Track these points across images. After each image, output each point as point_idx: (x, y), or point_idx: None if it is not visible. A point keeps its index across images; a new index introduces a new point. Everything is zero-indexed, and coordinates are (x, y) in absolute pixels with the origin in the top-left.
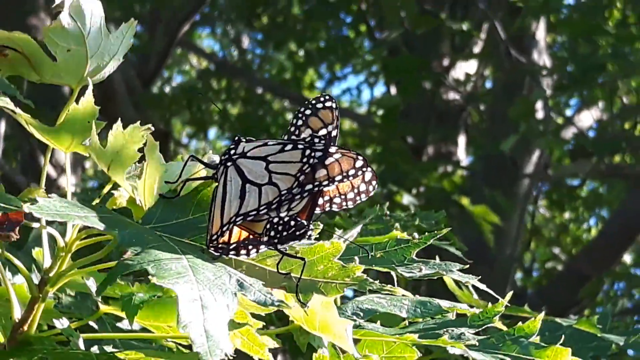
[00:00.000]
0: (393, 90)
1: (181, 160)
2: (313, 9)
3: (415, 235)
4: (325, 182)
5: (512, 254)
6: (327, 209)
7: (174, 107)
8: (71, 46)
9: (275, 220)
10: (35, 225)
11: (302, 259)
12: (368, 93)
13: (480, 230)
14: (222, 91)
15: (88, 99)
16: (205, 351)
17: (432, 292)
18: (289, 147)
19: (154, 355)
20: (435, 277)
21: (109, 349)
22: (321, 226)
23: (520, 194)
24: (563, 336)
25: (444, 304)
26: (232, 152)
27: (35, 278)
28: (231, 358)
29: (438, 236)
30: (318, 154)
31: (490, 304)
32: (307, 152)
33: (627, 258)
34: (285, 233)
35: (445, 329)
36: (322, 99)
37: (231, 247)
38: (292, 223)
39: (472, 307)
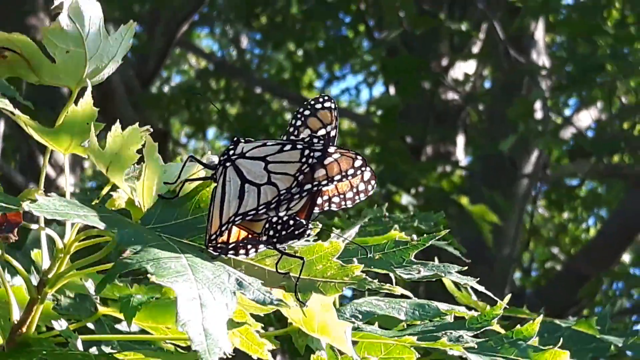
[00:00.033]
0: (392, 90)
1: (180, 161)
2: (312, 9)
3: (414, 236)
4: (324, 182)
5: (511, 254)
6: (326, 208)
7: (172, 107)
8: (70, 48)
9: (274, 219)
10: (34, 226)
11: (301, 258)
12: (367, 93)
13: (479, 230)
14: (221, 91)
15: (87, 100)
16: (204, 350)
17: (431, 293)
18: (288, 147)
19: (152, 356)
20: (434, 279)
21: (107, 350)
22: (320, 226)
23: (519, 194)
24: (562, 338)
25: (442, 306)
26: (231, 152)
27: (34, 279)
28: (230, 357)
29: (437, 238)
30: (317, 153)
31: (488, 306)
32: (306, 152)
33: (626, 258)
34: (284, 232)
35: (443, 332)
36: (321, 99)
37: (230, 247)
38: (291, 222)
39: (470, 309)
